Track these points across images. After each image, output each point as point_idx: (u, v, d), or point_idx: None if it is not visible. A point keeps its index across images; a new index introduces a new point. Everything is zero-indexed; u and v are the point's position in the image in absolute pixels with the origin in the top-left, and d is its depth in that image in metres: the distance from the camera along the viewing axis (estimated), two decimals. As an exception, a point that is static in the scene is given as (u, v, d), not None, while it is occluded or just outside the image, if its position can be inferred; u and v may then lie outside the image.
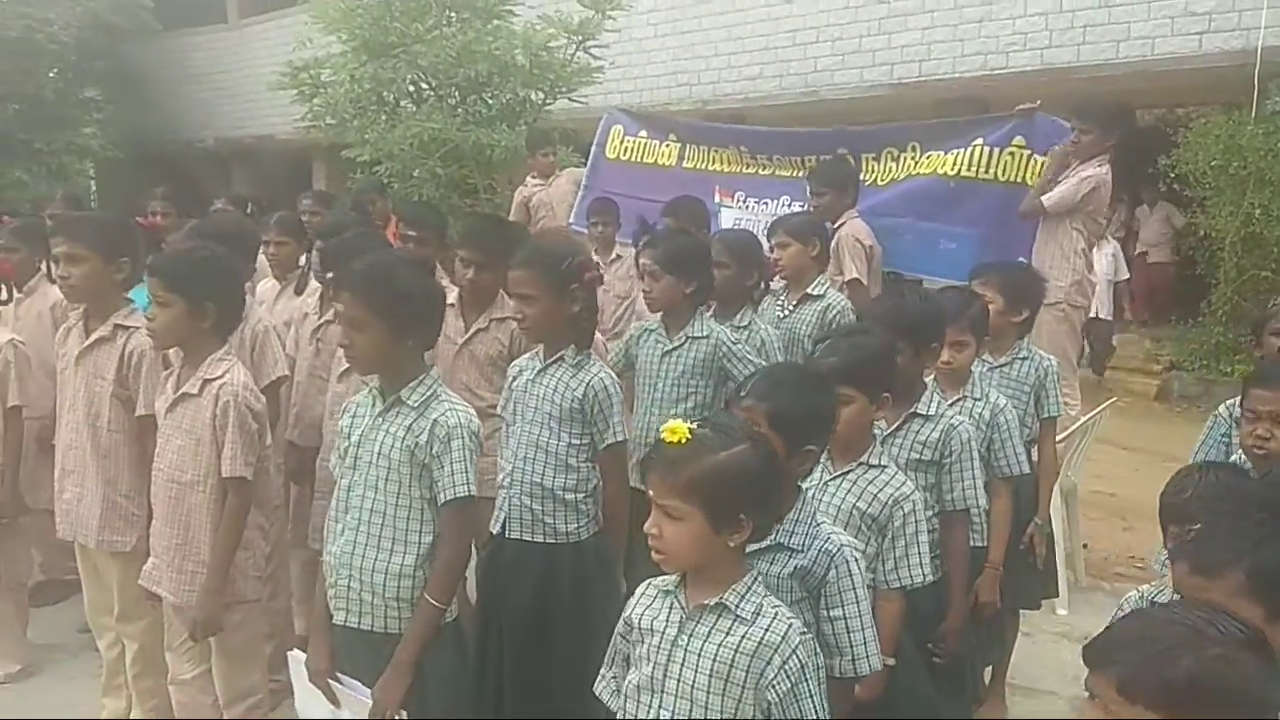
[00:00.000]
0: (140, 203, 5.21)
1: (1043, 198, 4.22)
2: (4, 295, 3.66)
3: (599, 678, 1.80)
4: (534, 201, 6.71)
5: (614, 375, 2.54)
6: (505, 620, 2.49)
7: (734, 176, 5.82)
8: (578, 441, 2.50)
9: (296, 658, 2.23)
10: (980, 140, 4.49)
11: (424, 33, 6.72)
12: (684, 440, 1.52)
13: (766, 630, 1.56)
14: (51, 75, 14.63)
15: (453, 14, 7.16)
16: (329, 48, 7.43)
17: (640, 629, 1.67)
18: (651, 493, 1.55)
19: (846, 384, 2.06)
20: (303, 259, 4.16)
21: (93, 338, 2.88)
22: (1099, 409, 4.64)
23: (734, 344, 2.98)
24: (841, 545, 1.80)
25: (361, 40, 6.78)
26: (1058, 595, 3.90)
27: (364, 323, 2.07)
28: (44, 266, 4.03)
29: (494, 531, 2.56)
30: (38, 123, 14.53)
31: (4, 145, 14.78)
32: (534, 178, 6.85)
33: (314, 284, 4.09)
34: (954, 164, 4.52)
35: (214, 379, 2.59)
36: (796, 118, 9.32)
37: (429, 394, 2.13)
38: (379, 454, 2.11)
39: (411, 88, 7.17)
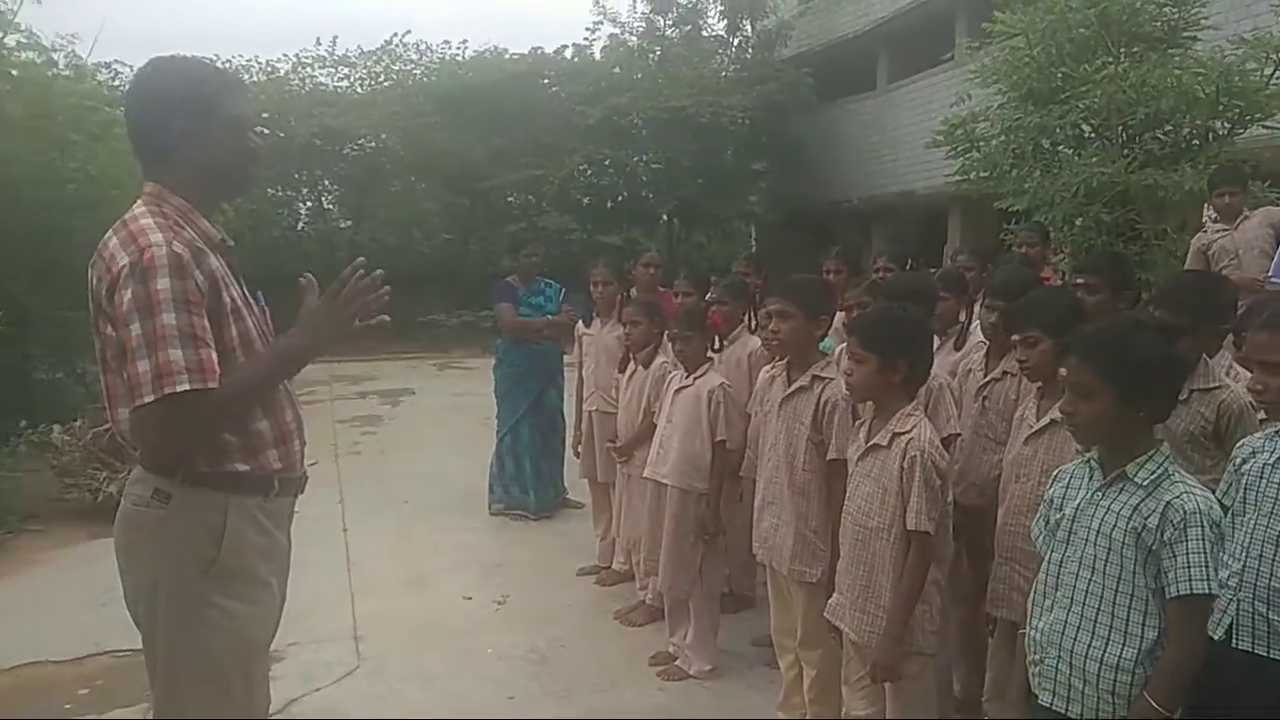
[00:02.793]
0: (797, 258, 5.74)
1: None
2: (715, 345, 4.29)
3: None
4: (1214, 249, 5.86)
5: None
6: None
7: None
8: (1337, 545, 2.05)
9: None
10: None
11: (1092, 73, 6.35)
12: None
13: None
14: (729, 153, 17.14)
15: (1122, 50, 6.66)
16: (985, 101, 7.45)
17: None
18: None
19: None
20: (962, 314, 4.18)
21: (793, 387, 3.21)
22: None
23: None
24: None
25: (1026, 89, 6.65)
26: None
27: (1092, 390, 1.96)
28: (745, 319, 4.67)
29: (1215, 637, 2.22)
30: (716, 194, 17.13)
31: (691, 213, 17.72)
32: (1214, 221, 6.00)
33: (975, 339, 4.09)
34: None
35: (903, 433, 2.70)
36: None
37: (1160, 472, 1.93)
38: (1098, 531, 1.97)
39: (1073, 132, 6.83)
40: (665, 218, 18.31)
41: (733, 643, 4.30)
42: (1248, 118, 6.47)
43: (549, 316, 6.17)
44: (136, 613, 2.03)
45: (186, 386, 1.80)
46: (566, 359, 6.32)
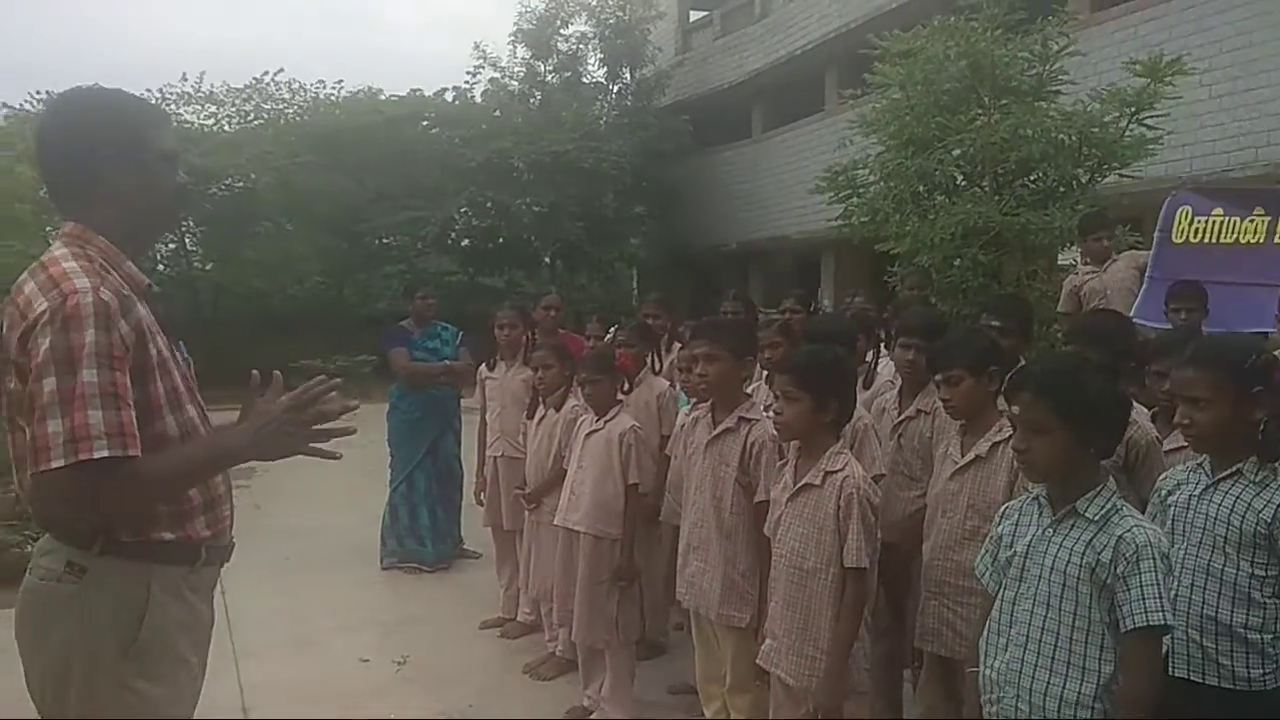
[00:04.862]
0: (679, 301, 5.80)
1: None
2: (625, 387, 4.22)
3: None
4: (1085, 290, 6.25)
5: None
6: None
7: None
8: (1262, 573, 2.14)
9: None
10: None
11: (966, 123, 6.68)
12: None
13: None
14: (610, 197, 17.30)
15: (991, 101, 7.05)
16: (864, 149, 7.73)
17: None
18: None
19: None
20: (869, 355, 4.27)
21: (719, 428, 3.18)
22: None
23: None
24: None
25: (906, 137, 6.94)
26: None
27: (1046, 427, 1.98)
28: (649, 361, 4.63)
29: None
30: (598, 237, 17.24)
31: (573, 256, 17.75)
32: (1086, 264, 6.40)
33: (882, 379, 4.18)
34: None
35: (835, 471, 2.70)
36: None
37: (1109, 506, 1.97)
38: (1051, 568, 1.98)
39: (946, 179, 7.16)
40: (547, 260, 18.27)
41: (649, 691, 4.19)
42: (1105, 166, 6.95)
43: (446, 361, 5.99)
44: (41, 697, 1.81)
45: (105, 453, 1.62)
46: (465, 404, 6.14)
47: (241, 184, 16.34)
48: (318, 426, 1.82)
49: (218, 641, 4.96)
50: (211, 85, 17.50)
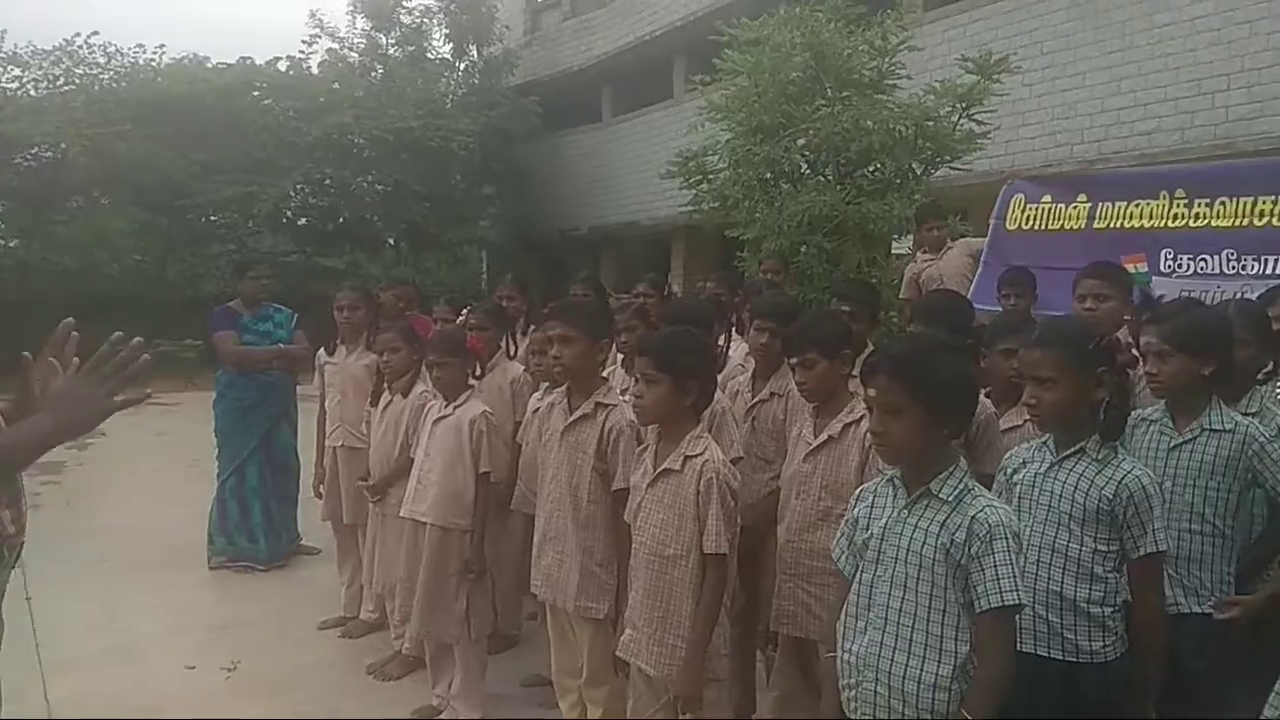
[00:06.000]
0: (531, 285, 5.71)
1: None
2: (477, 371, 4.06)
3: None
4: (924, 276, 6.50)
5: (1150, 473, 2.24)
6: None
7: (1159, 232, 5.21)
8: (1104, 548, 2.22)
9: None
10: None
11: (810, 113, 6.81)
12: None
13: None
14: (458, 177, 16.81)
15: (834, 93, 7.23)
16: (714, 135, 7.78)
17: None
18: None
19: None
20: (722, 338, 4.27)
21: (576, 414, 3.07)
22: None
23: (1268, 441, 2.50)
24: None
25: (755, 124, 7.01)
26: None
27: (900, 409, 1.96)
28: (504, 345, 4.47)
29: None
30: (446, 218, 16.73)
31: (419, 237, 17.18)
32: (923, 252, 6.65)
33: (733, 362, 4.18)
34: None
35: (695, 455, 2.65)
36: (1204, 174, 8.35)
37: (961, 487, 1.97)
38: (908, 549, 1.98)
39: (791, 167, 7.29)
40: (391, 242, 17.61)
41: (501, 685, 4.07)
42: (938, 159, 7.25)
43: (279, 345, 5.62)
44: None
45: None
46: (302, 391, 5.79)
47: (50, 153, 14.91)
48: (118, 377, 1.70)
49: (21, 654, 4.49)
50: (15, 45, 15.91)
